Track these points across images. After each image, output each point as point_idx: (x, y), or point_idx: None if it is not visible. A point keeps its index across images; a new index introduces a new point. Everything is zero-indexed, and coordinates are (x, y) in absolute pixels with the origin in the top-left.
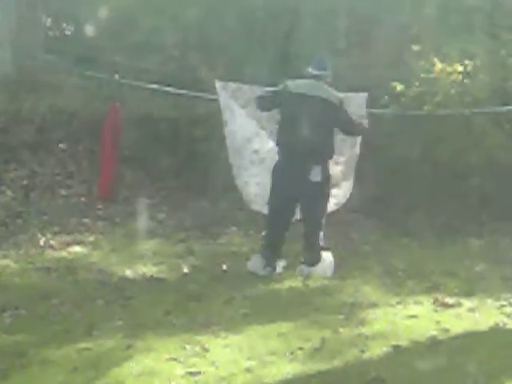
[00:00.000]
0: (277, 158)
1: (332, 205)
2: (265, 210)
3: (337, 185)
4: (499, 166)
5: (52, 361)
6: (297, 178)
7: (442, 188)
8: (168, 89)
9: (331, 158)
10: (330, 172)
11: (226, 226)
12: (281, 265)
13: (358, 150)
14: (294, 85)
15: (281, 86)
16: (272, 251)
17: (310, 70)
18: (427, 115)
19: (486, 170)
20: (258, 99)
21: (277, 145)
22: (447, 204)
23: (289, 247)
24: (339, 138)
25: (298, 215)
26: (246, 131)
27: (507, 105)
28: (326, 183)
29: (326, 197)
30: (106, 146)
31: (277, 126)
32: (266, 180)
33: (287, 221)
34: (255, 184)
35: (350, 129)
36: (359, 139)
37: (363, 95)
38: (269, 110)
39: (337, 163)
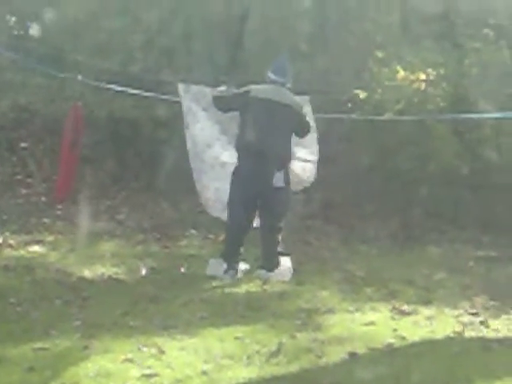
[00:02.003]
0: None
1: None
2: (223, 216)
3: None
4: (458, 175)
5: (8, 359)
6: (259, 184)
7: (401, 195)
8: (131, 91)
9: (289, 162)
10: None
11: (185, 228)
12: (242, 268)
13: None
14: (257, 90)
15: (243, 90)
16: (233, 255)
17: (270, 75)
18: (388, 122)
19: (445, 179)
20: (217, 99)
21: (236, 150)
22: (407, 212)
23: (247, 251)
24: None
25: (255, 223)
26: (206, 136)
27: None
28: (288, 188)
29: (287, 202)
30: (64, 147)
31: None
32: (226, 185)
33: (247, 225)
34: (215, 189)
35: (305, 133)
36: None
37: (305, 98)
38: (226, 111)
39: (308, 161)
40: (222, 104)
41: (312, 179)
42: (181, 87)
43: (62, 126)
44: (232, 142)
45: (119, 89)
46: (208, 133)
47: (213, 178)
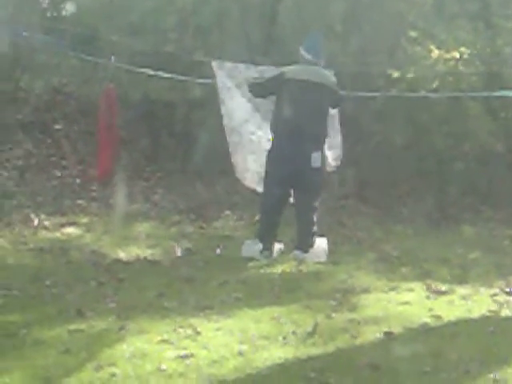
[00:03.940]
0: (270, 143)
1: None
2: (259, 188)
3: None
4: (493, 154)
5: (44, 342)
6: (297, 164)
7: (436, 175)
8: (163, 74)
9: (325, 143)
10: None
11: (220, 209)
12: (277, 249)
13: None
14: (291, 71)
15: (277, 73)
16: (269, 235)
17: (304, 53)
18: (422, 101)
19: (480, 157)
20: (253, 86)
21: (273, 131)
22: (442, 191)
23: (283, 232)
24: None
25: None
26: (242, 111)
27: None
28: (323, 168)
29: (322, 182)
30: (101, 129)
31: (271, 108)
32: (263, 158)
33: (283, 206)
34: (252, 161)
35: (339, 105)
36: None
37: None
38: (263, 97)
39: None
40: (258, 90)
41: (339, 161)
42: (214, 64)
43: (96, 107)
44: (265, 119)
45: (149, 71)
46: (243, 108)
47: (250, 151)
